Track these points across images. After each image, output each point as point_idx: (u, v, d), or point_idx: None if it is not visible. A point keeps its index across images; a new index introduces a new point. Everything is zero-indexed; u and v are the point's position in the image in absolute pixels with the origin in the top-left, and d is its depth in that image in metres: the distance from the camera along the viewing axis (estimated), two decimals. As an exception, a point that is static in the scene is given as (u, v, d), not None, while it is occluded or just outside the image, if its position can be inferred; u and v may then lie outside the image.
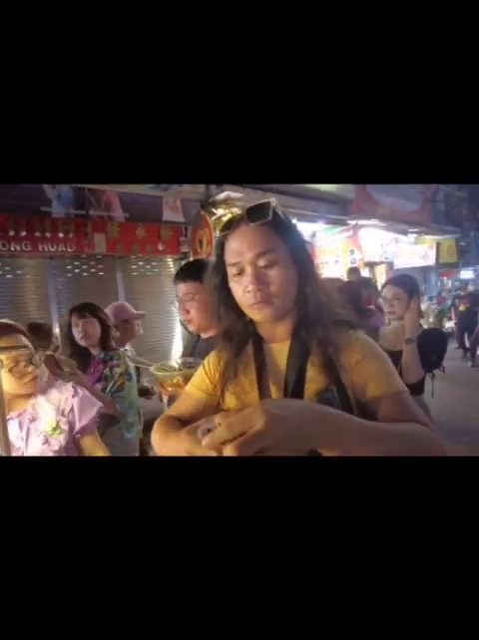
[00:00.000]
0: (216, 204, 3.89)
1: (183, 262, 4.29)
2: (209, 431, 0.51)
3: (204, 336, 1.27)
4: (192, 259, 1.33)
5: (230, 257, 0.63)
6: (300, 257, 0.64)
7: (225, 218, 0.65)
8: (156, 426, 0.72)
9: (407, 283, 1.78)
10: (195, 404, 0.72)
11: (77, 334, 1.76)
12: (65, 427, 1.12)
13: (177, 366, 1.09)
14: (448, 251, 7.65)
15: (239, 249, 0.61)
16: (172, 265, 4.35)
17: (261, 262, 0.60)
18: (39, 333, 2.70)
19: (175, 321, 4.33)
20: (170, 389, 1.04)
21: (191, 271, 1.24)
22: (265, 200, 0.62)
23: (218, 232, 0.78)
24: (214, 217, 0.83)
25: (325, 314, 0.64)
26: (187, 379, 0.98)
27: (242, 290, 0.62)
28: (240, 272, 0.62)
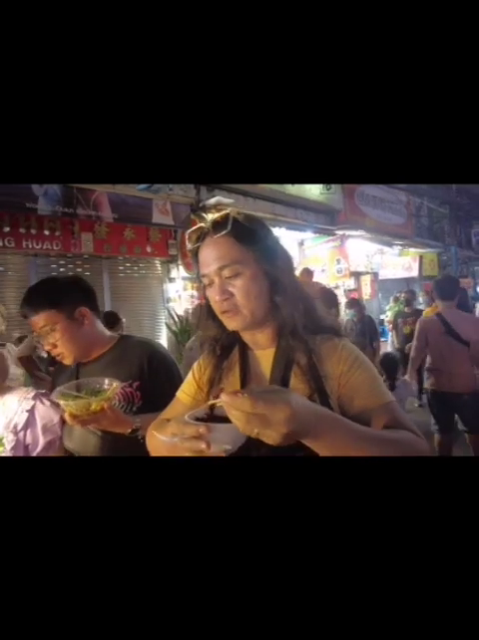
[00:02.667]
0: (206, 209, 3.90)
1: (171, 265, 4.29)
2: (197, 419, 0.51)
3: (84, 361, 1.07)
4: (35, 283, 1.07)
5: (200, 269, 0.65)
6: (270, 265, 0.63)
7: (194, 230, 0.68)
8: (148, 431, 0.73)
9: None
10: (184, 409, 0.71)
11: None
12: (9, 445, 0.95)
13: (90, 389, 0.89)
14: (430, 264, 7.88)
15: (206, 261, 0.63)
16: (159, 268, 4.32)
17: (226, 273, 0.61)
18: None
19: (161, 323, 4.29)
20: (85, 419, 0.83)
21: (39, 299, 0.99)
22: (225, 212, 0.63)
23: (189, 245, 0.68)
24: (188, 231, 0.73)
25: (304, 322, 0.63)
26: (109, 402, 0.84)
27: (213, 300, 0.63)
28: (211, 283, 0.63)
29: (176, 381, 1.04)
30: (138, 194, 3.62)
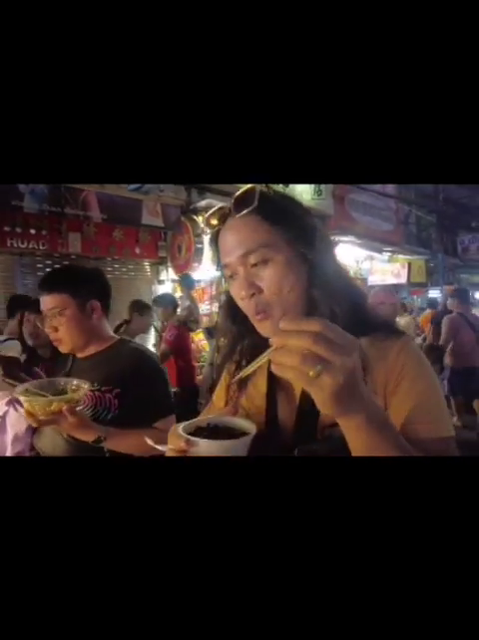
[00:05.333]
0: (197, 211, 3.88)
1: (161, 266, 4.25)
2: (193, 431, 0.50)
3: (80, 355, 1.06)
4: (59, 266, 1.17)
5: (221, 257, 0.53)
6: (308, 249, 0.51)
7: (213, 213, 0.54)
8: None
9: None
10: (217, 412, 0.64)
11: (26, 331, 1.65)
12: None
13: (56, 388, 0.86)
14: (418, 271, 8.01)
15: (227, 248, 0.52)
16: (148, 269, 4.27)
17: (252, 260, 0.50)
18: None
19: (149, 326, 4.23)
20: (42, 418, 0.79)
21: (57, 281, 1.01)
22: (250, 186, 0.51)
23: (208, 230, 0.56)
24: (208, 213, 0.55)
25: (353, 320, 0.51)
26: (70, 404, 0.80)
27: (238, 297, 0.52)
28: (233, 275, 0.52)
29: (158, 397, 1.01)
30: (127, 195, 3.58)
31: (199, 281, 4.55)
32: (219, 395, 0.68)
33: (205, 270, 4.00)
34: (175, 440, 0.46)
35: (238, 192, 0.51)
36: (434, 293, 7.65)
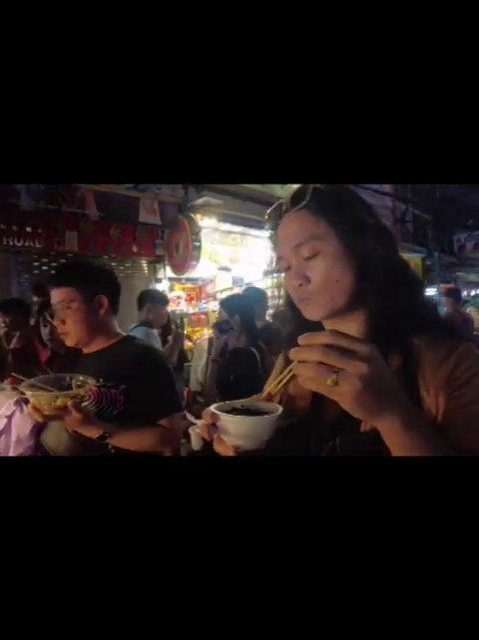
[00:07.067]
0: (194, 209, 3.87)
1: (158, 265, 4.23)
2: (228, 410, 0.51)
3: (86, 351, 1.07)
4: (68, 261, 1.20)
5: (278, 250, 0.57)
6: (359, 241, 0.52)
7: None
8: None
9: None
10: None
11: (44, 333, 1.67)
12: None
13: (62, 384, 0.86)
14: (415, 269, 8.05)
15: (282, 241, 0.56)
16: (146, 268, 4.25)
17: (304, 253, 0.53)
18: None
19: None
20: (47, 413, 0.80)
21: (66, 275, 1.04)
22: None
23: (267, 226, 0.60)
24: (268, 210, 0.60)
25: (407, 316, 0.51)
26: (75, 400, 0.80)
27: (291, 287, 0.56)
28: (288, 267, 0.55)
29: (163, 395, 1.03)
30: (125, 193, 3.56)
31: (197, 279, 4.54)
32: (269, 381, 0.67)
33: (202, 268, 3.99)
34: (206, 415, 0.49)
35: (295, 189, 0.55)
36: (431, 291, 7.69)
